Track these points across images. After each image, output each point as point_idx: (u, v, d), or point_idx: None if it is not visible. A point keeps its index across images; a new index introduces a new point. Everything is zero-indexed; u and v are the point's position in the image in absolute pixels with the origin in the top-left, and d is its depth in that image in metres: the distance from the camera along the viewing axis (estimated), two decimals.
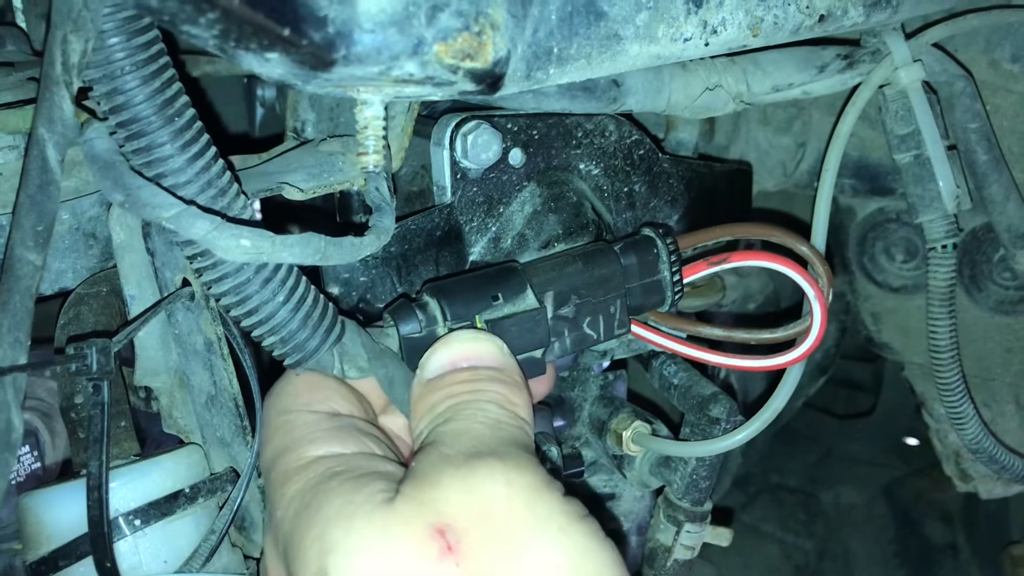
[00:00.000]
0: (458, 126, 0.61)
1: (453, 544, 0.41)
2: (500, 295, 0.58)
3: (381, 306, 0.60)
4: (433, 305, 0.56)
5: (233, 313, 0.50)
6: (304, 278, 0.51)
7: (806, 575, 1.53)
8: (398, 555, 0.41)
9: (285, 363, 0.51)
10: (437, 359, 0.52)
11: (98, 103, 0.46)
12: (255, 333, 0.50)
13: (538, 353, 0.59)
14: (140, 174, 0.47)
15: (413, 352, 0.54)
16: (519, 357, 0.56)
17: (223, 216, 0.47)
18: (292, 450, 0.48)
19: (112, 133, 0.47)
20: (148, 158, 0.46)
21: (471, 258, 0.64)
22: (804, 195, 1.06)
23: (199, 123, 0.48)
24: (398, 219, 0.61)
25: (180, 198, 0.46)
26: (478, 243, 0.65)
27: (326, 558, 0.41)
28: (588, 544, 0.43)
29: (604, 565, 0.43)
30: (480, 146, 0.62)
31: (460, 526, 0.42)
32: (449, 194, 0.63)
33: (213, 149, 0.48)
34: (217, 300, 0.50)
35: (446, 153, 0.62)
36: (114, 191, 0.46)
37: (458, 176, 0.63)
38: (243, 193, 0.50)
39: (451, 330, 0.55)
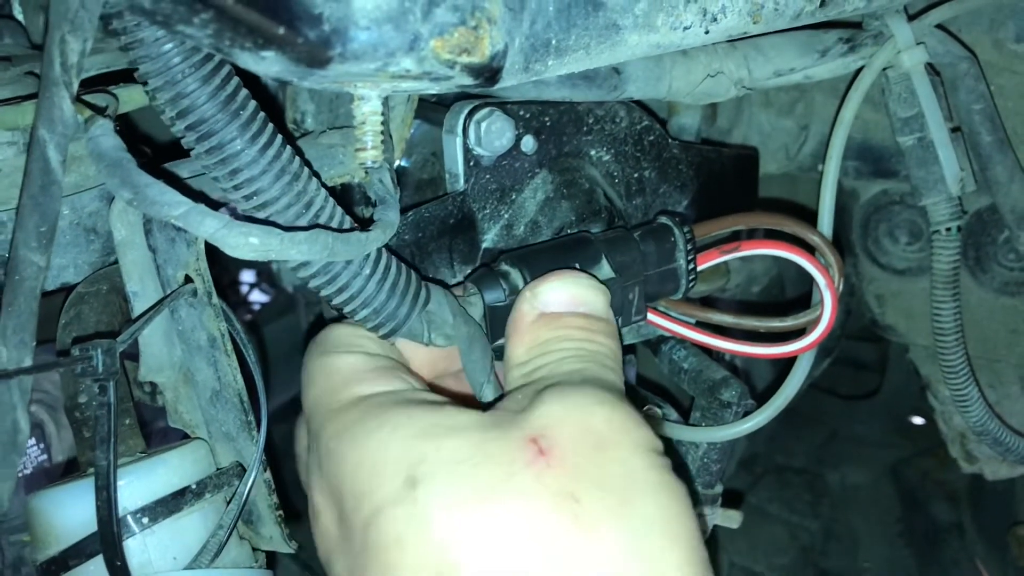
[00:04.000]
0: (471, 113, 0.61)
1: (546, 449, 0.42)
2: (578, 264, 0.58)
3: None
4: (515, 274, 0.57)
5: (324, 293, 0.50)
6: (383, 247, 0.52)
7: (812, 555, 1.53)
8: (490, 464, 0.41)
9: (379, 334, 0.51)
10: (557, 295, 0.52)
11: (162, 111, 0.46)
12: (347, 309, 0.50)
13: None
14: (158, 176, 0.46)
15: (497, 320, 0.55)
16: None
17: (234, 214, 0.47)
18: (339, 390, 0.48)
19: (181, 137, 0.47)
20: (221, 155, 0.46)
21: (484, 245, 0.64)
22: (807, 178, 1.05)
23: (262, 114, 0.48)
24: (410, 207, 0.61)
25: (253, 211, 0.47)
26: (491, 230, 0.65)
27: (417, 468, 0.41)
28: (672, 480, 0.43)
29: (683, 506, 0.43)
30: (493, 133, 0.62)
31: (554, 433, 0.42)
32: (462, 182, 0.63)
33: (279, 137, 0.49)
34: (306, 283, 0.50)
35: (459, 140, 0.62)
36: (122, 189, 0.46)
37: (471, 163, 0.62)
38: (315, 174, 0.51)
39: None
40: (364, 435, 0.45)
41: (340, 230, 0.50)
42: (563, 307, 0.52)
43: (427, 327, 0.53)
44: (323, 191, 0.50)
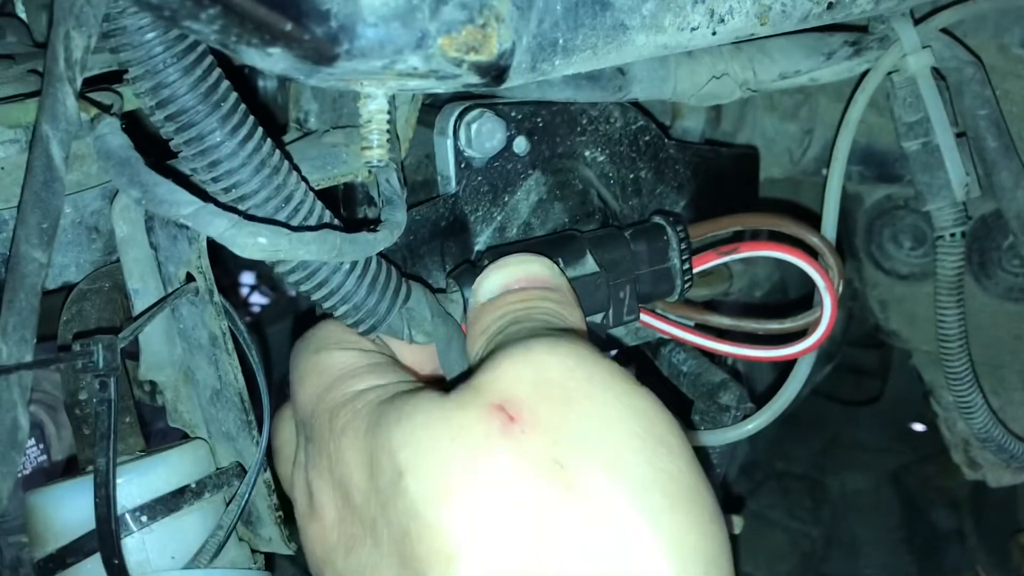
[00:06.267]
0: (462, 115, 0.61)
1: (515, 415, 0.40)
2: (561, 260, 0.58)
3: None
4: None
5: (303, 289, 0.50)
6: None
7: (813, 561, 1.52)
8: (464, 439, 0.40)
9: (359, 331, 0.52)
10: (489, 283, 0.53)
11: (144, 100, 0.46)
12: (327, 304, 0.51)
13: (598, 318, 0.60)
14: (160, 169, 0.47)
15: None
16: None
17: (241, 214, 0.47)
18: (335, 387, 0.48)
19: (160, 128, 0.47)
20: (200, 147, 0.47)
21: (477, 248, 0.64)
22: (811, 182, 1.05)
23: (243, 106, 0.48)
24: None
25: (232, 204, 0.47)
26: (483, 232, 0.64)
27: (397, 457, 0.41)
28: (649, 405, 0.42)
29: (668, 427, 0.42)
30: (484, 134, 0.61)
31: (519, 397, 0.41)
32: (453, 184, 0.62)
33: (260, 130, 0.49)
34: (285, 278, 0.51)
35: (450, 142, 0.62)
36: (130, 188, 0.46)
37: (462, 165, 0.62)
38: (296, 169, 0.51)
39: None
40: (362, 432, 0.44)
41: (326, 226, 0.50)
42: (497, 291, 0.52)
43: (407, 324, 0.53)
44: (303, 185, 0.50)
